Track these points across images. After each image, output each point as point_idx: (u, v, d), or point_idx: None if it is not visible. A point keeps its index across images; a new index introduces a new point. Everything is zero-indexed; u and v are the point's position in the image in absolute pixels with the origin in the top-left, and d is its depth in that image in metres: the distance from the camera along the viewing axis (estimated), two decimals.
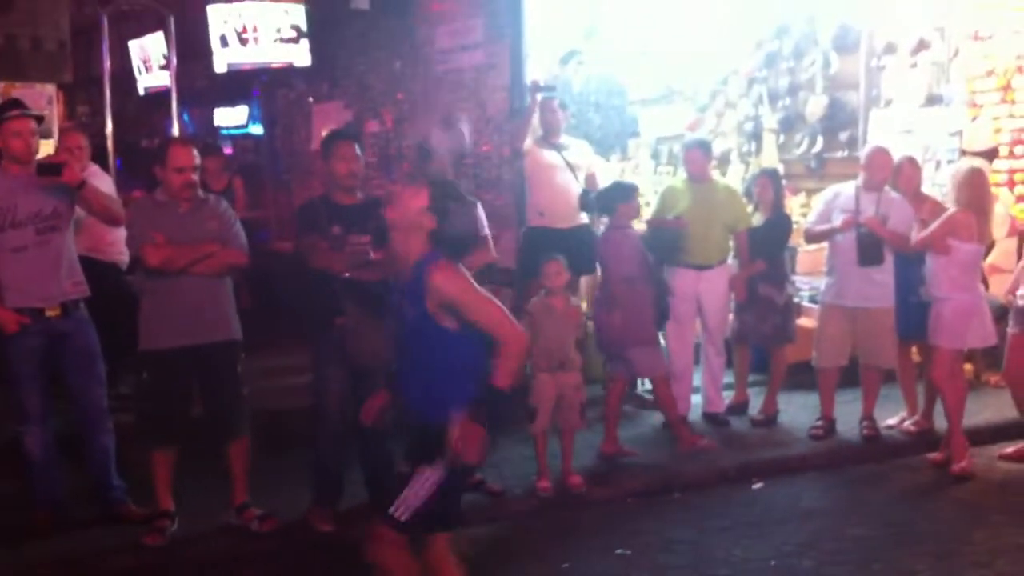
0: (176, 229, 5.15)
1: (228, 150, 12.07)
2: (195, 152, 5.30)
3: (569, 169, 7.46)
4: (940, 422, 6.79)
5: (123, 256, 6.85)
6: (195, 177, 5.23)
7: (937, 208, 6.73)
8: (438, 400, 3.69)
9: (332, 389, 5.43)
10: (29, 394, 5.26)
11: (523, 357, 3.86)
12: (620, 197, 6.67)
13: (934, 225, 6.38)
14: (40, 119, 5.52)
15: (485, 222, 5.93)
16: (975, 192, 6.39)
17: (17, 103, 5.50)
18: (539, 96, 7.52)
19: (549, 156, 7.48)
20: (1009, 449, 6.66)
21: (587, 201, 7.41)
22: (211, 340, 5.24)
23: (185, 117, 11.00)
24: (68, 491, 5.52)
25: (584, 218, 7.60)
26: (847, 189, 6.97)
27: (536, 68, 9.37)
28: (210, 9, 10.59)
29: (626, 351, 6.53)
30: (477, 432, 3.60)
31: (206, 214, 5.27)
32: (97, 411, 5.46)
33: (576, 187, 7.50)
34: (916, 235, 6.57)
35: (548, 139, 7.62)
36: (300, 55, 10.45)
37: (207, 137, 12.33)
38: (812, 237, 7.28)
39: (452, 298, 3.62)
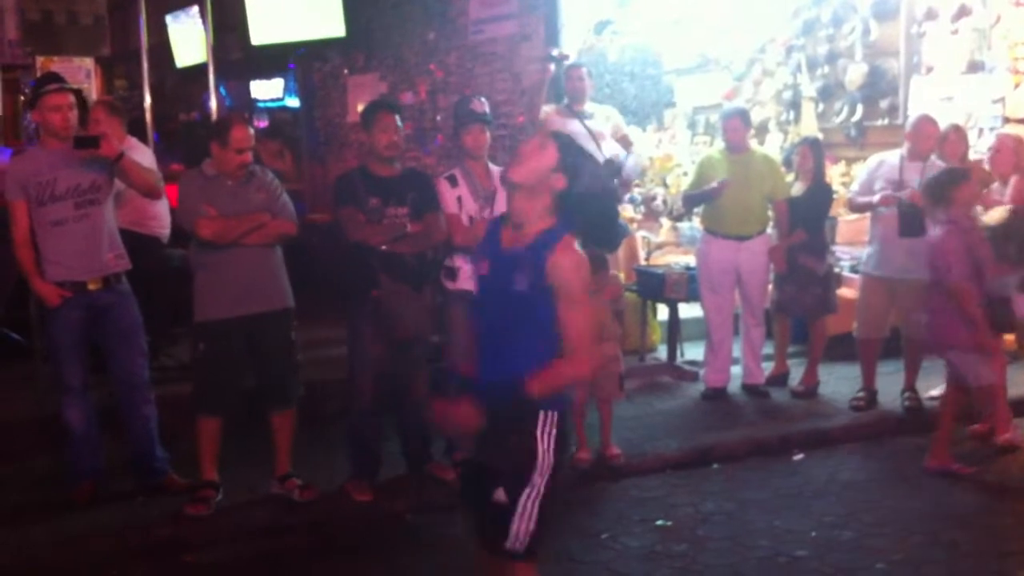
0: (226, 202, 5.19)
1: (263, 123, 12.10)
2: (251, 131, 5.33)
3: (592, 138, 7.31)
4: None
5: (165, 230, 6.90)
6: (251, 157, 5.27)
7: (983, 175, 6.62)
8: (523, 389, 3.29)
9: (368, 361, 5.45)
10: (70, 366, 5.31)
11: (574, 382, 3.46)
12: (951, 180, 5.83)
13: (1009, 194, 6.22)
14: (78, 93, 5.54)
15: None
16: (1020, 158, 6.29)
17: (55, 77, 5.52)
18: (552, 66, 7.39)
19: (570, 124, 7.33)
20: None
21: (609, 170, 7.30)
22: (265, 309, 5.28)
23: (222, 90, 11.02)
24: (110, 463, 5.58)
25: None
26: (891, 158, 6.88)
27: (571, 38, 9.32)
28: None
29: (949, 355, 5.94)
30: (471, 413, 3.29)
31: (254, 186, 5.30)
32: (139, 383, 5.50)
33: (598, 155, 7.38)
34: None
35: (572, 107, 7.53)
36: (335, 27, 10.42)
37: (249, 110, 12.37)
38: (855, 208, 7.19)
39: (562, 277, 3.23)
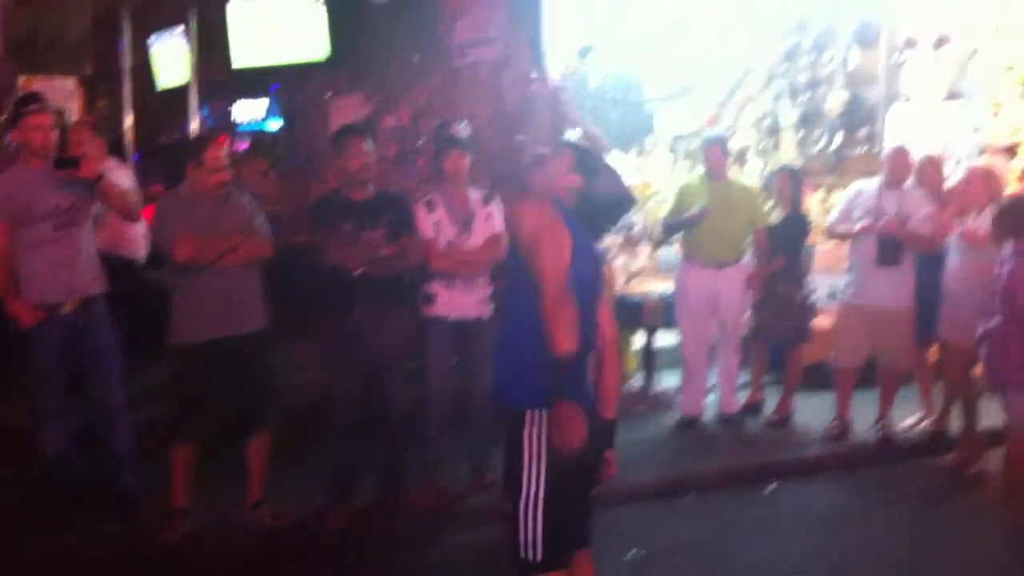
0: (203, 223, 5.17)
1: (243, 145, 12.07)
2: (226, 151, 5.33)
3: None
4: (956, 424, 6.75)
5: (142, 252, 6.89)
6: (227, 177, 5.25)
7: (961, 205, 6.67)
8: (527, 382, 3.33)
9: (345, 383, 5.45)
10: (46, 389, 5.29)
11: (566, 307, 3.24)
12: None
13: (983, 226, 6.25)
14: (60, 113, 5.53)
15: (501, 218, 5.92)
16: (991, 189, 6.34)
17: (36, 97, 5.51)
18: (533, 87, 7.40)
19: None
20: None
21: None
22: (243, 331, 5.25)
23: (204, 111, 11.02)
24: (87, 484, 5.54)
25: None
26: (870, 186, 6.94)
27: (554, 63, 9.36)
28: (230, 3, 10.59)
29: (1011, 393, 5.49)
30: (572, 414, 3.22)
31: (231, 208, 5.28)
32: (115, 406, 5.47)
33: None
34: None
35: (555, 135, 7.54)
36: (319, 49, 10.44)
37: (230, 132, 12.34)
38: (834, 235, 7.24)
39: (528, 232, 3.30)
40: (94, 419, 5.49)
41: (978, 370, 6.65)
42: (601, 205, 3.52)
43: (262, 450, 5.45)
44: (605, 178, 3.53)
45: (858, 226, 6.75)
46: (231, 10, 10.56)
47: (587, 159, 3.55)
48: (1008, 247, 5.42)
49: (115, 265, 5.92)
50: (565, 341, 3.20)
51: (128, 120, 8.86)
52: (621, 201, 3.61)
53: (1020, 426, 5.38)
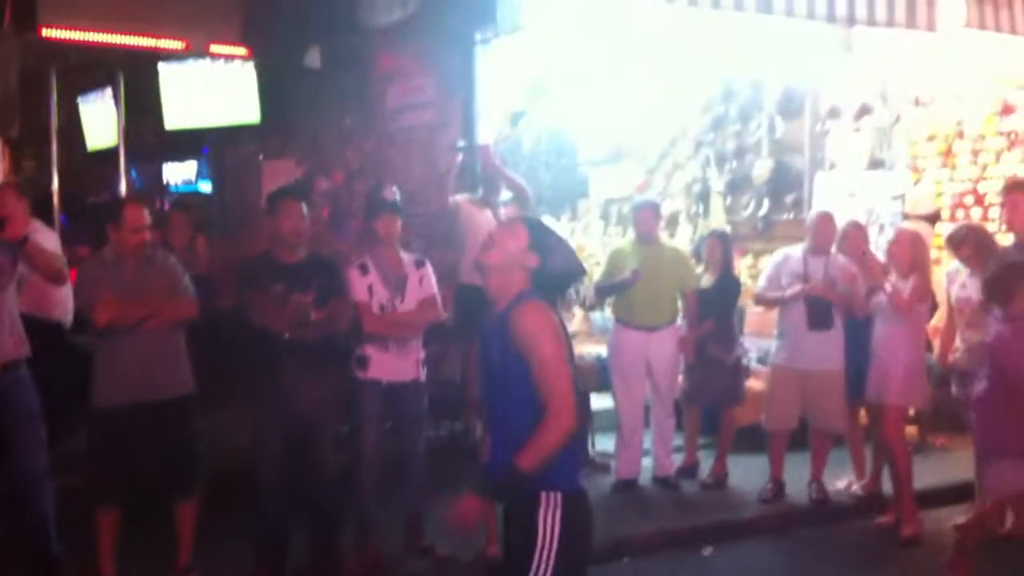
0: (125, 286, 5.10)
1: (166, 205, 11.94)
2: (146, 212, 5.27)
3: None
4: (888, 485, 6.82)
5: (67, 315, 6.72)
6: (148, 236, 5.18)
7: (882, 269, 6.81)
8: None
9: (272, 447, 5.37)
10: None
11: (561, 442, 3.26)
12: (1014, 275, 5.31)
13: (908, 291, 6.37)
14: None
15: (434, 280, 5.91)
16: (916, 253, 6.47)
17: None
18: (459, 156, 7.42)
19: (480, 215, 7.39)
20: (962, 519, 6.64)
21: None
22: (165, 395, 5.16)
23: (133, 173, 10.89)
24: (3, 556, 5.35)
25: None
26: (796, 252, 7.05)
27: (486, 127, 9.43)
28: (161, 65, 10.54)
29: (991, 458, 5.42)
30: (472, 508, 3.35)
31: (155, 270, 5.23)
32: (36, 473, 5.31)
33: None
34: (864, 297, 6.62)
35: (487, 197, 7.56)
36: (250, 112, 10.41)
37: (161, 195, 12.23)
38: (764, 302, 7.33)
39: (526, 335, 3.30)
40: (15, 485, 5.31)
41: (908, 431, 6.77)
42: (555, 279, 3.49)
43: (190, 515, 5.34)
44: (560, 253, 3.50)
45: (789, 292, 6.84)
46: (163, 72, 10.51)
47: (542, 235, 3.50)
48: (996, 313, 5.38)
49: (39, 328, 5.78)
50: (535, 460, 3.23)
51: (55, 181, 8.70)
52: (574, 274, 3.59)
53: (995, 492, 5.33)
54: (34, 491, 5.32)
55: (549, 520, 3.28)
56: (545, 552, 3.27)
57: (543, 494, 3.29)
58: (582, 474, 3.45)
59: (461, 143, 7.43)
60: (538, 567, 3.27)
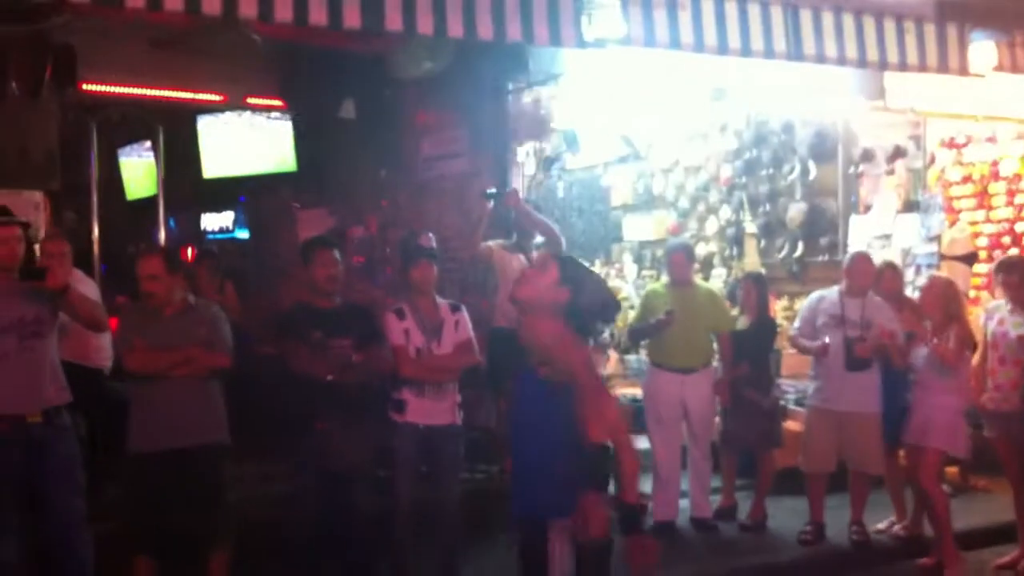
0: (161, 334, 5.17)
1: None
2: (159, 260, 5.34)
3: None
4: (929, 526, 6.73)
5: (107, 362, 6.81)
6: (156, 286, 5.24)
7: (918, 312, 6.78)
8: (567, 494, 3.48)
9: (308, 496, 5.38)
10: (6, 503, 5.14)
11: (636, 464, 3.62)
12: None
13: (953, 342, 6.34)
14: (26, 226, 5.53)
15: (470, 325, 5.94)
16: (947, 303, 6.43)
17: (3, 210, 5.51)
18: (490, 203, 7.44)
19: (514, 260, 7.39)
20: (1005, 559, 6.57)
21: None
22: (194, 443, 5.18)
23: (171, 223, 11.06)
24: None
25: None
26: (831, 294, 7.03)
27: (520, 174, 9.52)
28: (199, 118, 10.73)
29: None
30: (602, 514, 3.46)
31: (194, 319, 5.29)
32: (75, 520, 5.33)
33: None
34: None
35: (520, 242, 7.58)
36: (286, 162, 10.57)
37: (197, 243, 12.38)
38: (798, 349, 7.28)
39: (572, 370, 3.48)
40: (54, 532, 5.35)
41: (949, 472, 6.69)
42: (589, 314, 3.59)
43: (222, 566, 5.34)
44: (591, 288, 3.60)
45: (816, 344, 6.83)
46: (201, 124, 10.70)
47: (573, 270, 3.60)
48: None
49: (80, 375, 5.86)
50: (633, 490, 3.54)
51: (95, 232, 8.85)
52: (607, 308, 3.71)
53: None
54: (72, 538, 5.33)
55: (563, 546, 3.50)
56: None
57: (558, 521, 3.52)
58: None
59: (491, 190, 7.47)
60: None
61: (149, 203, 10.66)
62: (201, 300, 5.50)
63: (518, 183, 8.89)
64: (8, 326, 5.11)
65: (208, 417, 5.31)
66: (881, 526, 7.10)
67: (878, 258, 7.33)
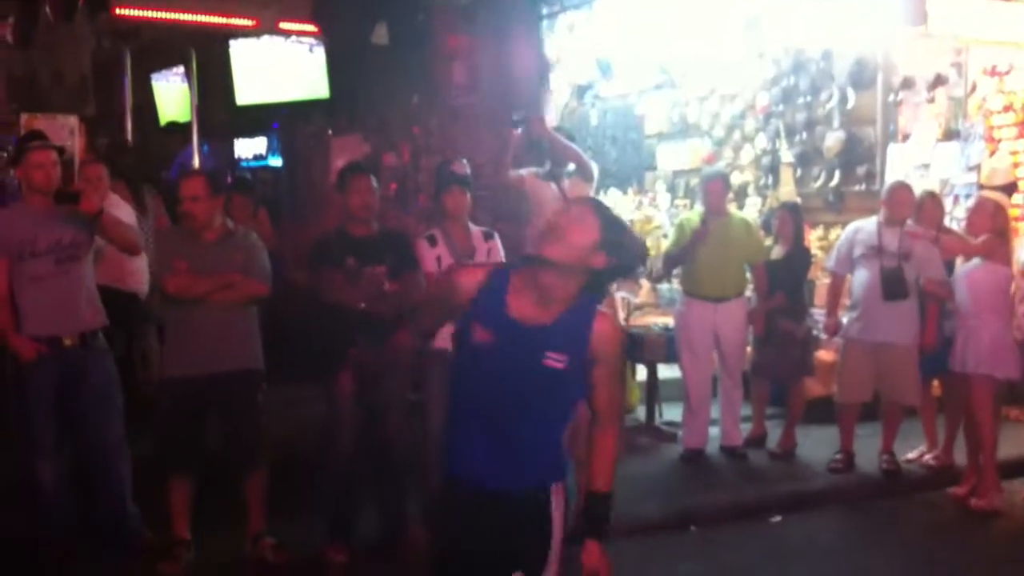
0: (200, 259, 5.18)
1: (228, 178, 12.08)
2: (202, 182, 5.30)
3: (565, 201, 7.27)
4: (960, 457, 6.73)
5: (143, 286, 6.89)
6: (197, 207, 5.21)
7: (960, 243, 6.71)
8: (538, 465, 3.13)
9: (345, 422, 5.43)
10: (43, 424, 5.24)
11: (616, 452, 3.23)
12: None
13: (978, 242, 6.31)
14: (61, 151, 5.55)
15: (503, 253, 5.93)
16: (997, 222, 6.37)
17: (38, 135, 5.54)
18: (518, 130, 7.36)
19: (545, 189, 7.35)
20: None
21: None
22: (229, 368, 5.22)
23: (205, 149, 11.07)
24: (81, 522, 5.50)
25: None
26: (868, 225, 6.95)
27: (553, 101, 9.43)
28: (231, 43, 10.68)
29: None
30: (603, 558, 3.11)
31: (232, 246, 5.28)
32: (114, 441, 5.44)
33: None
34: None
35: (554, 171, 7.52)
36: (320, 89, 10.53)
37: (236, 172, 12.41)
38: (828, 301, 7.24)
39: (611, 353, 3.12)
40: (92, 455, 5.45)
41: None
42: (611, 275, 3.15)
43: (260, 485, 5.41)
44: (629, 251, 3.11)
45: (833, 318, 7.01)
46: (234, 49, 10.66)
47: (615, 232, 3.05)
48: None
49: (116, 299, 5.92)
50: (608, 478, 3.18)
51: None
52: (634, 268, 3.25)
53: None
54: (111, 458, 5.44)
55: (559, 514, 3.15)
56: (558, 543, 3.15)
57: (554, 485, 3.15)
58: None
59: (516, 117, 7.38)
60: (555, 558, 3.13)
61: (183, 129, 10.68)
62: (240, 227, 5.50)
63: (551, 111, 8.82)
64: (45, 249, 5.16)
65: (244, 344, 5.33)
66: (911, 456, 7.11)
67: (917, 188, 7.22)
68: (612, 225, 3.06)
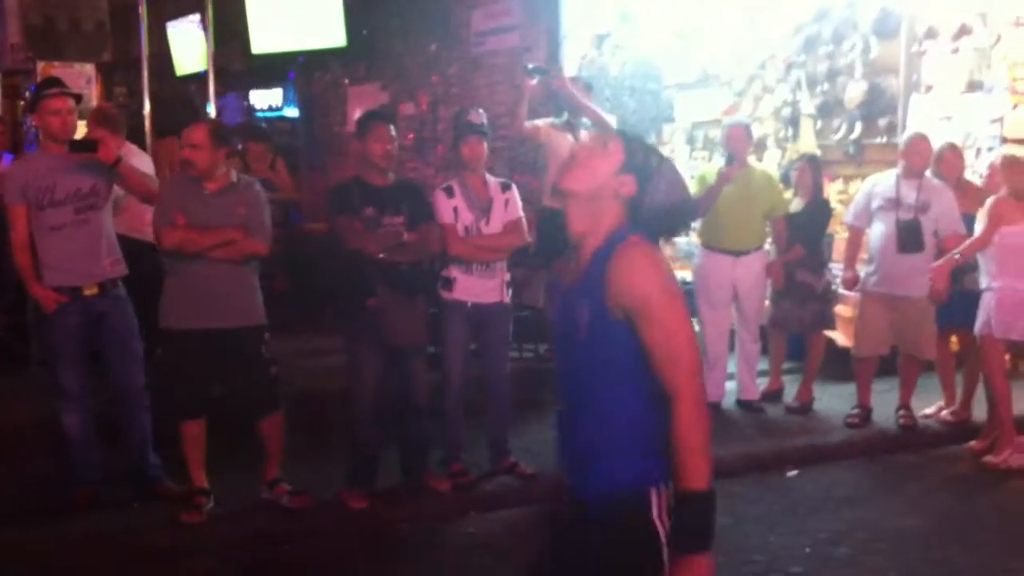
0: (201, 210, 5.11)
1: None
2: (204, 130, 5.21)
3: None
4: (978, 412, 6.72)
5: None
6: (197, 156, 5.12)
7: (979, 194, 6.65)
8: (612, 467, 2.52)
9: (365, 370, 5.44)
10: (67, 372, 5.30)
11: (706, 422, 2.44)
12: None
13: (980, 225, 6.26)
14: (79, 98, 5.54)
15: (520, 205, 5.91)
16: (1015, 179, 6.30)
17: (55, 81, 5.53)
18: (533, 80, 7.29)
19: (563, 139, 7.19)
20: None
21: None
22: (227, 325, 5.17)
23: (222, 99, 11.03)
24: (104, 470, 5.55)
25: None
26: (887, 177, 6.90)
27: (572, 51, 9.35)
28: None
29: None
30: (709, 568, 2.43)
31: (234, 198, 5.21)
32: (134, 390, 5.49)
33: None
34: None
35: (570, 120, 7.46)
36: (336, 37, 10.44)
37: (252, 121, 12.38)
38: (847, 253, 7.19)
39: (641, 296, 2.43)
40: (115, 402, 5.50)
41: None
42: (658, 217, 2.58)
43: (274, 431, 5.44)
44: (666, 179, 2.59)
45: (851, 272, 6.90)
46: None
47: (642, 153, 2.59)
48: None
49: (135, 249, 5.94)
50: (704, 472, 2.42)
51: (146, 107, 8.85)
52: (684, 211, 2.66)
53: None
54: (132, 407, 5.50)
55: (663, 519, 2.50)
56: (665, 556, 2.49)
57: (653, 491, 2.49)
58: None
59: (532, 66, 7.30)
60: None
61: (199, 79, 10.64)
62: (244, 178, 5.41)
63: (569, 60, 8.75)
64: (64, 198, 5.18)
65: (242, 301, 5.26)
66: (929, 411, 7.10)
67: (939, 139, 7.14)
68: (641, 149, 2.62)
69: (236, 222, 5.16)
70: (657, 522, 2.49)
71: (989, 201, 6.34)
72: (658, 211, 2.57)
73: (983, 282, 6.35)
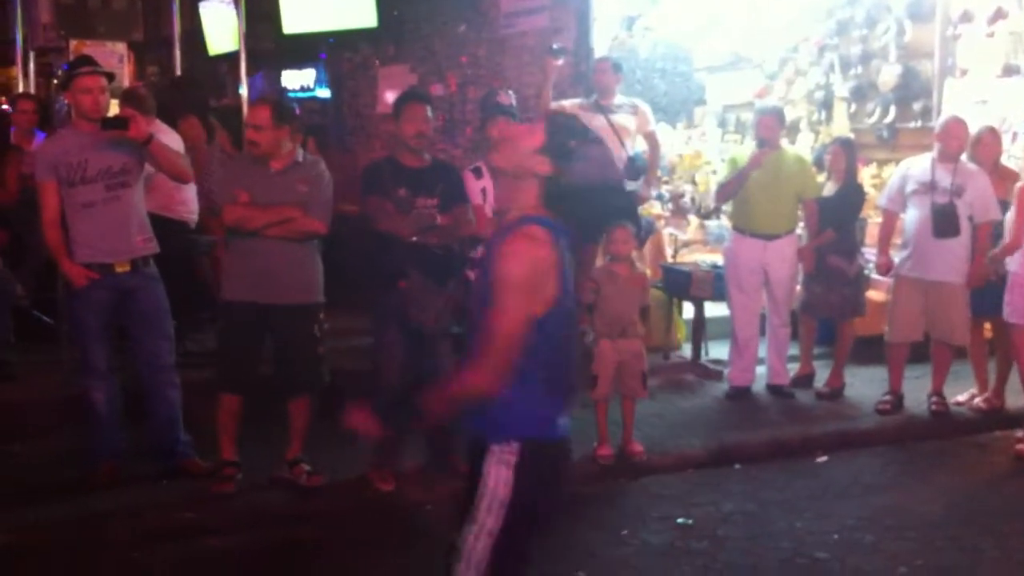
0: (262, 188, 5.17)
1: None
2: (267, 110, 5.23)
3: (615, 134, 7.19)
4: (1012, 400, 6.64)
5: (192, 214, 6.93)
6: (260, 136, 5.17)
7: (1016, 179, 6.56)
8: (492, 407, 2.82)
9: (392, 352, 5.43)
10: (95, 348, 5.33)
11: (473, 395, 2.80)
12: None
13: (1011, 215, 6.18)
14: (111, 76, 5.55)
15: None
16: None
17: (88, 60, 5.54)
18: (558, 60, 7.22)
19: (592, 120, 7.02)
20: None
21: (633, 168, 7.19)
22: (283, 302, 5.24)
23: (253, 79, 11.03)
24: (133, 445, 5.59)
25: (629, 184, 7.17)
26: (922, 161, 6.82)
27: (602, 33, 9.28)
28: None
29: None
30: (366, 423, 3.03)
31: (297, 177, 5.25)
32: (164, 366, 5.52)
33: (620, 152, 7.13)
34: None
35: (599, 101, 7.41)
36: (367, 17, 10.40)
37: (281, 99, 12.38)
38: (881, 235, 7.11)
39: (498, 277, 2.73)
40: (144, 378, 5.53)
41: None
42: (575, 195, 2.79)
43: (303, 411, 5.47)
44: (585, 162, 2.79)
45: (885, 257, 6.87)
46: None
47: (561, 133, 2.80)
48: None
49: (166, 227, 5.96)
50: (445, 404, 2.88)
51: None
52: (606, 189, 3.06)
53: None
54: (162, 383, 5.53)
55: (496, 472, 2.83)
56: (490, 505, 2.84)
57: (493, 445, 2.83)
58: (558, 422, 2.91)
59: (557, 46, 7.24)
60: (483, 521, 2.83)
61: (231, 58, 10.64)
62: (310, 157, 5.45)
63: (599, 41, 8.68)
64: (95, 175, 5.20)
65: (301, 276, 5.32)
66: (961, 398, 7.03)
67: (975, 124, 7.04)
68: (564, 133, 2.80)
69: (296, 200, 5.18)
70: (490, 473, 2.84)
71: (1018, 186, 6.25)
72: (574, 191, 2.78)
73: (1011, 268, 6.28)
